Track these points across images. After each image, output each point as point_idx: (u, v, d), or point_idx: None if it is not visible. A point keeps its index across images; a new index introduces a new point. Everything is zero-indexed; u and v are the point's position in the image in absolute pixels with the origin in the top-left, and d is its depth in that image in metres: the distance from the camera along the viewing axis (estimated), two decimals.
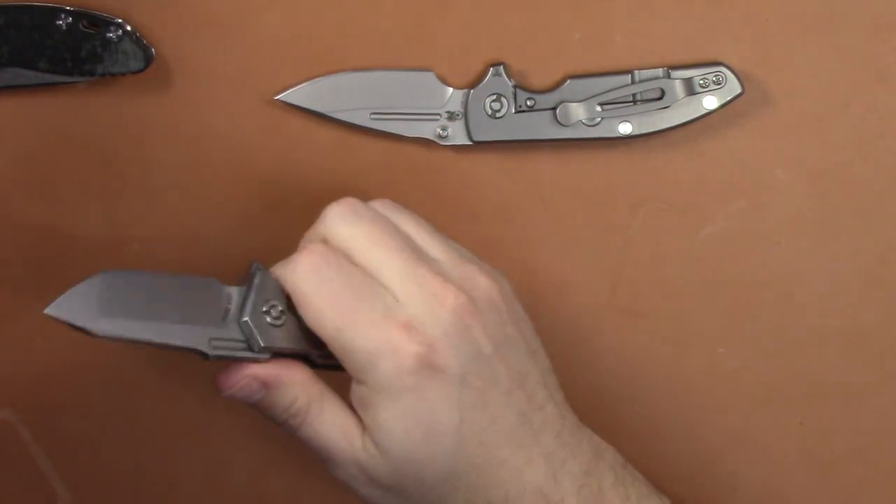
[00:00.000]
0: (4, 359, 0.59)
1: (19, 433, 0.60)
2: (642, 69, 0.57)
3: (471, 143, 0.57)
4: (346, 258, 0.49)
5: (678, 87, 0.56)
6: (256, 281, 0.49)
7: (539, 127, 0.57)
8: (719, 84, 0.56)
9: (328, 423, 0.50)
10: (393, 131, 0.57)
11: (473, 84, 0.57)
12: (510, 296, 0.51)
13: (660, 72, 0.56)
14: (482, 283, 0.50)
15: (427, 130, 0.57)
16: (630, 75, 0.56)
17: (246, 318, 0.49)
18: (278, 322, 0.49)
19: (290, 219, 0.59)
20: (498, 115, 0.56)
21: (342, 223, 0.49)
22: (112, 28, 0.56)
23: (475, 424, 0.48)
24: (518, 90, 0.57)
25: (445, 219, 0.58)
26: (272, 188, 0.59)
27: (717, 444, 0.60)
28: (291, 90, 0.57)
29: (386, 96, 0.57)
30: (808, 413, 0.59)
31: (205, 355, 0.48)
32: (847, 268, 0.58)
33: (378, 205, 0.51)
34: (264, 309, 0.49)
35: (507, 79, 0.57)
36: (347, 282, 0.48)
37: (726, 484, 0.60)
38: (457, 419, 0.48)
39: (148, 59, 0.56)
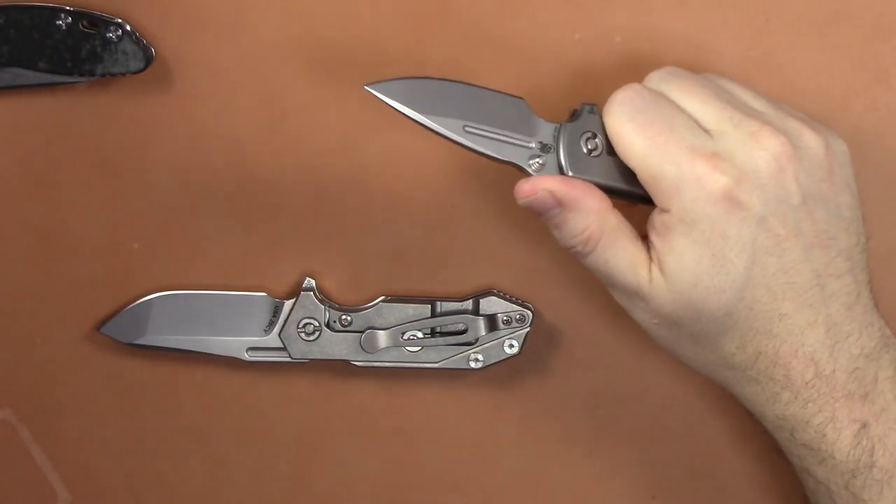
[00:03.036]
0: (4, 359, 0.59)
1: (19, 433, 0.60)
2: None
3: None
4: (661, 95, 0.50)
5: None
6: (301, 298, 0.57)
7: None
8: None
9: (618, 255, 0.50)
10: (485, 151, 0.53)
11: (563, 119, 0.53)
12: (841, 158, 0.50)
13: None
14: (808, 135, 0.50)
15: (518, 156, 0.52)
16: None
17: (280, 333, 0.57)
18: (311, 338, 0.57)
19: (290, 219, 0.59)
20: (594, 154, 0.52)
21: (659, 80, 0.50)
22: (112, 28, 0.56)
23: (766, 269, 0.48)
24: None
25: (447, 218, 0.58)
26: (273, 188, 0.58)
27: (717, 444, 0.60)
28: (385, 82, 0.51)
29: (479, 112, 0.53)
30: None
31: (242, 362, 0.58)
32: None
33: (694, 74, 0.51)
34: (302, 324, 0.57)
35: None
36: (659, 112, 0.49)
37: (726, 484, 0.60)
38: (747, 258, 0.48)
39: (148, 59, 0.56)
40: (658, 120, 0.49)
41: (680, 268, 0.49)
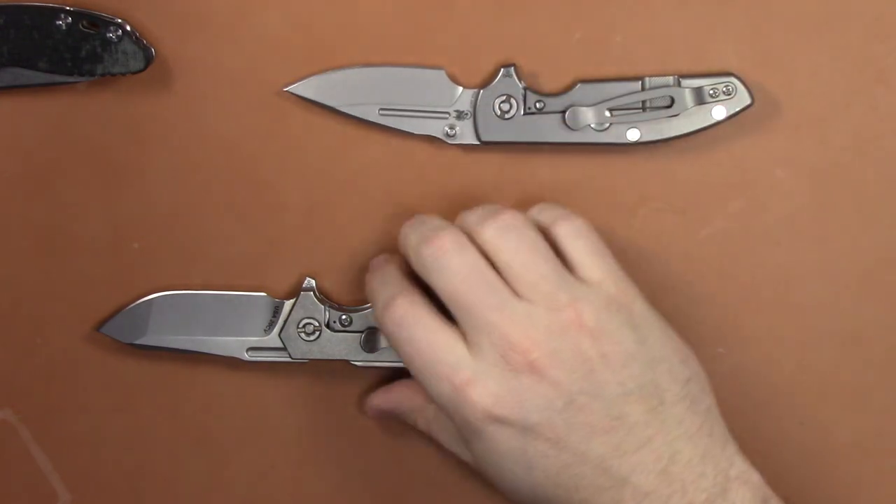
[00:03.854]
0: (4, 359, 0.59)
1: (19, 433, 0.60)
2: (653, 76, 0.56)
3: (478, 143, 0.57)
4: (430, 307, 0.51)
5: (688, 96, 0.56)
6: (301, 298, 0.57)
7: (547, 130, 0.57)
8: (729, 95, 0.56)
9: (447, 435, 0.55)
10: (401, 128, 0.57)
11: (484, 84, 0.57)
12: (614, 330, 0.50)
13: (670, 80, 0.56)
14: (568, 329, 0.49)
15: (435, 128, 0.57)
16: (640, 82, 0.56)
17: (280, 333, 0.57)
18: (311, 338, 0.57)
19: (291, 218, 0.59)
20: (507, 116, 0.56)
21: (439, 269, 0.51)
22: (112, 28, 0.56)
23: (547, 470, 0.49)
24: (528, 92, 0.57)
25: (448, 217, 0.58)
26: (273, 188, 0.58)
27: None
28: (300, 82, 0.57)
29: (395, 92, 0.57)
30: (808, 413, 0.59)
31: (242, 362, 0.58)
32: (847, 268, 0.58)
33: (490, 228, 0.51)
34: (302, 324, 0.57)
35: (517, 80, 0.57)
36: (428, 336, 0.50)
37: None
38: (525, 466, 0.49)
39: (148, 59, 0.56)
40: (425, 348, 0.50)
41: (480, 467, 0.52)
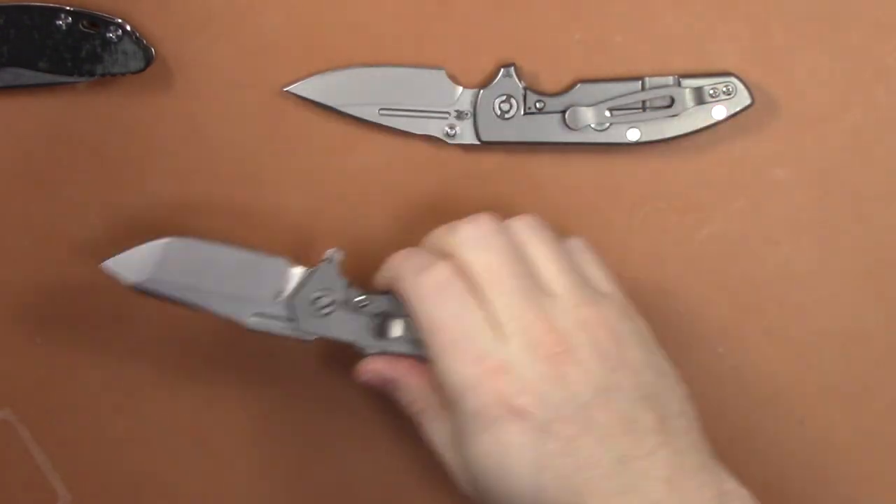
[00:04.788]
0: (4, 359, 0.59)
1: (19, 433, 0.60)
2: (653, 76, 0.57)
3: (478, 142, 0.57)
4: (465, 283, 0.50)
5: (688, 96, 0.56)
6: (320, 269, 0.53)
7: (547, 129, 0.57)
8: (729, 94, 0.56)
9: (439, 430, 0.52)
10: (401, 128, 0.57)
11: (484, 84, 0.57)
12: (629, 336, 0.50)
13: (670, 80, 0.56)
14: (592, 325, 0.49)
15: (435, 128, 0.57)
16: (640, 82, 0.56)
17: (291, 300, 0.52)
18: (324, 311, 0.52)
19: (292, 218, 0.59)
20: (507, 115, 0.56)
21: (471, 248, 0.51)
22: (112, 28, 0.56)
23: (558, 471, 0.48)
24: (528, 92, 0.57)
25: (448, 216, 0.58)
26: (274, 188, 0.59)
27: (717, 444, 0.60)
28: (301, 82, 0.57)
29: (395, 92, 0.57)
30: (808, 413, 0.59)
31: (244, 326, 0.52)
32: (847, 268, 0.58)
33: (516, 224, 0.51)
34: (316, 296, 0.52)
35: (517, 80, 0.57)
36: (459, 313, 0.50)
37: None
38: (533, 465, 0.48)
39: (148, 59, 0.56)
40: (455, 323, 0.49)
41: (474, 471, 0.50)
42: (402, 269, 0.52)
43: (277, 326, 0.53)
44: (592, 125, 0.56)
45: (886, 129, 0.58)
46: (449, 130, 0.57)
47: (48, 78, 0.56)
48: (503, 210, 0.58)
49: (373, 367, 0.53)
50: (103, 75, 0.56)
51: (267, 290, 0.53)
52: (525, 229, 0.52)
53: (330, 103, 0.57)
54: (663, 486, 0.48)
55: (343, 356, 0.55)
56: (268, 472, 0.60)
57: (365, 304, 0.53)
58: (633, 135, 0.56)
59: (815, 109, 0.58)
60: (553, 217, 0.58)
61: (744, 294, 0.59)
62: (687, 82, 0.56)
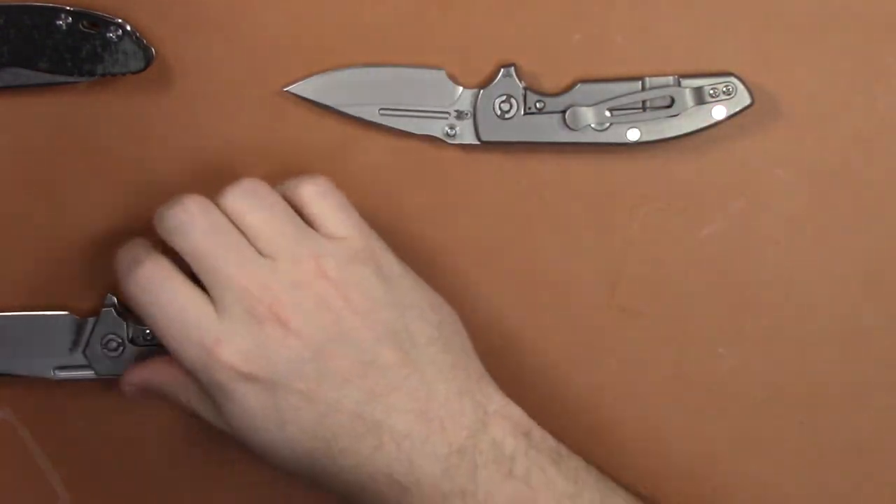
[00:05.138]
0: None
1: (19, 433, 0.60)
2: (653, 76, 0.57)
3: (478, 142, 0.57)
4: (174, 269, 0.51)
5: (688, 96, 0.56)
6: (103, 315, 0.57)
7: (548, 129, 0.57)
8: (729, 94, 0.56)
9: (203, 408, 0.53)
10: (401, 128, 0.57)
11: (484, 84, 0.57)
12: (359, 280, 0.51)
13: (670, 80, 0.56)
14: (309, 281, 0.50)
15: (435, 128, 0.57)
16: (640, 82, 0.56)
17: (85, 350, 0.57)
18: (115, 354, 0.57)
19: None
20: (507, 115, 0.56)
21: (180, 234, 0.51)
22: (112, 28, 0.56)
23: (302, 424, 0.50)
24: (528, 92, 0.57)
25: (448, 216, 0.58)
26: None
27: (717, 444, 0.60)
28: (301, 82, 0.57)
29: (395, 92, 0.57)
30: (808, 413, 0.59)
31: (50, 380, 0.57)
32: (847, 268, 0.58)
33: (231, 194, 0.52)
34: (106, 341, 0.57)
35: (517, 80, 0.57)
36: (172, 297, 0.50)
37: (726, 484, 0.60)
38: (276, 422, 0.50)
39: (148, 59, 0.56)
40: (175, 303, 0.50)
41: (238, 434, 0.51)
42: (118, 266, 0.52)
43: (82, 374, 0.57)
44: (592, 125, 0.56)
45: (886, 129, 0.58)
46: (449, 130, 0.57)
47: (48, 78, 0.56)
48: (503, 210, 0.59)
49: (130, 382, 0.55)
50: (103, 75, 0.56)
51: (62, 343, 0.57)
52: (241, 197, 0.52)
53: (330, 103, 0.57)
54: (414, 419, 0.49)
55: None
56: (268, 472, 0.60)
57: (151, 336, 0.56)
58: (633, 135, 0.56)
59: (815, 109, 0.58)
60: (553, 217, 0.58)
61: (744, 294, 0.59)
62: (687, 82, 0.56)
